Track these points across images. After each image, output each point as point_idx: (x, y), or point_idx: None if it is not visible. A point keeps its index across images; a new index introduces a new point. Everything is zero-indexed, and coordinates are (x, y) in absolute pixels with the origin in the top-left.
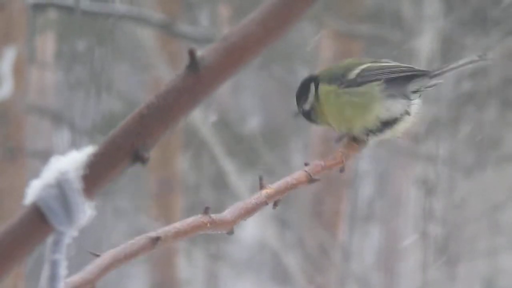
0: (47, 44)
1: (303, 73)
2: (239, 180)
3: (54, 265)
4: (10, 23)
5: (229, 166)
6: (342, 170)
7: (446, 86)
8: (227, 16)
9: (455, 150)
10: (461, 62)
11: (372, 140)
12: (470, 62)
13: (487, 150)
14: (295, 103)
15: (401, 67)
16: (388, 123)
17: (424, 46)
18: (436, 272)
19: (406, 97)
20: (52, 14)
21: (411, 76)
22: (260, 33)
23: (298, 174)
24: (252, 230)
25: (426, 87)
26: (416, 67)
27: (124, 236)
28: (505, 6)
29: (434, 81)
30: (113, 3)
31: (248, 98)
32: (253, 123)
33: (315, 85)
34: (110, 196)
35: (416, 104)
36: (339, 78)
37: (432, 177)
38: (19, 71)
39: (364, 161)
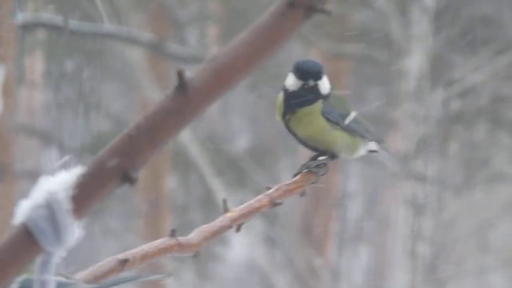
0: (36, 64)
1: None
2: (227, 199)
3: (43, 285)
4: None
5: (217, 186)
6: (303, 194)
7: (434, 105)
8: (216, 36)
9: (444, 169)
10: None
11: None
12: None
13: (476, 170)
14: (312, 70)
15: (368, 131)
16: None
17: (413, 66)
18: None
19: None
20: (40, 34)
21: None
22: (249, 54)
23: (261, 198)
24: (240, 249)
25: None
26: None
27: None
28: (493, 25)
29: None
30: (102, 23)
31: (236, 117)
32: (241, 143)
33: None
34: (99, 216)
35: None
36: (338, 116)
37: (421, 197)
38: (8, 91)
39: (353, 180)
